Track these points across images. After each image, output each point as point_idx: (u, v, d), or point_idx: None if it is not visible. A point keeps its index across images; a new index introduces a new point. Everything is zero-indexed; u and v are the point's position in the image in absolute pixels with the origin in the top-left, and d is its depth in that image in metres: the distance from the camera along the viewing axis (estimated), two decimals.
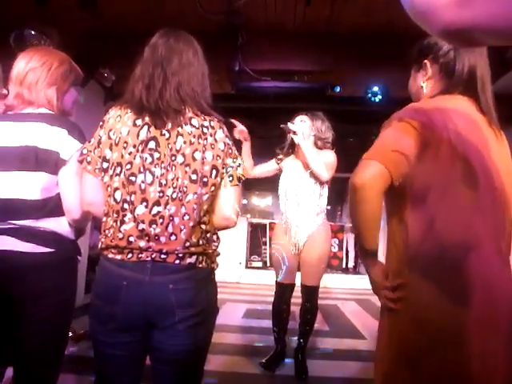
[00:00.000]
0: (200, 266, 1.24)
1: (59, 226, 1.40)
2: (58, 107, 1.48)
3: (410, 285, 1.09)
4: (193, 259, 1.22)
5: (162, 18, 3.74)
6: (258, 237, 8.40)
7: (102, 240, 1.26)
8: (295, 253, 2.96)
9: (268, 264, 7.80)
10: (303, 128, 2.95)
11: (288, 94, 4.61)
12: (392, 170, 1.08)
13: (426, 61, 1.26)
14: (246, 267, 7.83)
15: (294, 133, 2.86)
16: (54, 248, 1.37)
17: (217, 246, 1.32)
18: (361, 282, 7.40)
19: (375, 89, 4.55)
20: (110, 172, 1.23)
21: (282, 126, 2.93)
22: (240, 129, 2.85)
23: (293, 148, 3.08)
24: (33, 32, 3.23)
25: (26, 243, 1.33)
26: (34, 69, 1.46)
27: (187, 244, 1.21)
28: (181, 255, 1.20)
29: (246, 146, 2.94)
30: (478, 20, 0.48)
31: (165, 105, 1.24)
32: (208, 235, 1.28)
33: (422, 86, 1.28)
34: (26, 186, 1.35)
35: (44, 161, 1.36)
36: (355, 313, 5.21)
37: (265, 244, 8.11)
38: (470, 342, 1.01)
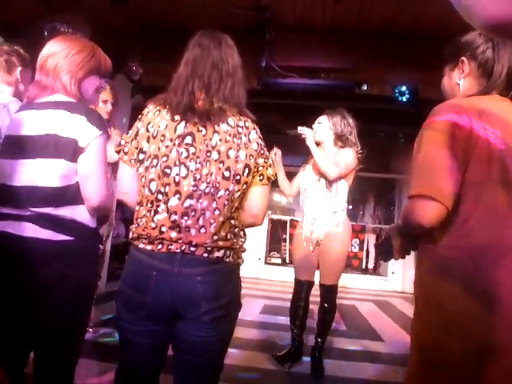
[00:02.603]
0: (227, 260, 1.27)
1: (79, 214, 1.41)
2: (74, 94, 1.47)
3: (440, 286, 1.09)
4: (220, 253, 1.25)
5: (191, 14, 3.77)
6: (278, 233, 8.40)
7: (133, 229, 1.30)
8: (313, 250, 2.96)
9: (287, 261, 7.79)
10: (317, 129, 3.00)
11: (314, 92, 4.59)
12: (449, 204, 1.06)
13: (463, 58, 1.23)
14: (265, 263, 7.84)
15: (303, 135, 2.93)
16: (73, 236, 1.38)
17: (243, 242, 1.35)
18: (380, 284, 7.33)
19: (403, 88, 4.48)
20: (146, 163, 1.27)
21: (288, 131, 3.03)
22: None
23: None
24: (66, 25, 3.30)
25: (46, 230, 1.34)
26: (53, 54, 1.46)
27: (216, 238, 1.23)
28: (209, 249, 1.23)
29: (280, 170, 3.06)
30: None
31: (217, 105, 1.30)
32: (236, 230, 1.31)
33: (458, 84, 1.26)
34: (47, 173, 1.36)
35: (63, 148, 1.37)
36: (373, 314, 5.16)
37: (284, 241, 8.09)
38: (499, 350, 1.00)
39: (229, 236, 1.27)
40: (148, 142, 1.28)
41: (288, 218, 8.06)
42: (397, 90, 4.52)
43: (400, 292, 7.11)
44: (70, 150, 1.37)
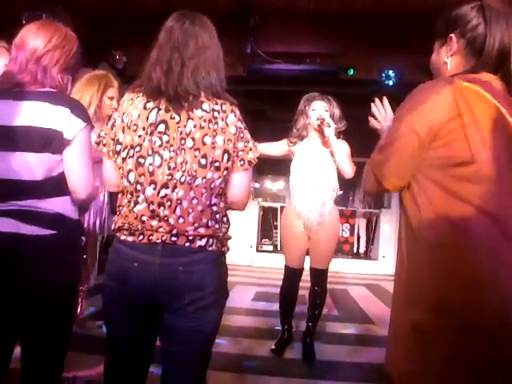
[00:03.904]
0: (210, 248, 1.25)
1: (61, 206, 1.39)
2: (56, 84, 1.43)
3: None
4: (203, 242, 1.24)
5: (174, 1, 3.70)
6: (269, 220, 8.40)
7: (116, 219, 1.30)
8: (306, 237, 2.94)
9: (279, 248, 7.83)
10: (328, 118, 2.87)
11: (300, 77, 4.57)
12: None
13: (452, 34, 1.19)
14: (257, 250, 7.85)
15: (329, 125, 2.78)
16: (56, 230, 1.36)
17: (227, 229, 1.34)
18: (371, 267, 7.40)
19: (389, 72, 4.47)
20: (123, 154, 1.26)
21: (319, 118, 2.83)
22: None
23: (306, 131, 2.99)
24: (44, 15, 3.22)
25: (27, 225, 1.32)
26: (53, 50, 1.42)
27: (196, 226, 1.22)
28: (191, 238, 1.22)
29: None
30: None
31: (183, 90, 1.24)
32: (218, 217, 1.29)
33: (445, 62, 1.22)
34: (28, 166, 1.34)
35: (47, 141, 1.34)
36: (365, 298, 5.21)
37: (276, 228, 8.10)
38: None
39: (210, 223, 1.25)
40: (123, 132, 1.26)
41: (278, 205, 8.06)
42: (383, 74, 4.51)
43: (391, 275, 7.15)
44: (54, 143, 1.35)
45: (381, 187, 1.21)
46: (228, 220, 1.35)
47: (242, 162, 1.31)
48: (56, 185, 1.39)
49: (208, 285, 1.25)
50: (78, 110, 1.41)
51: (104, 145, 1.31)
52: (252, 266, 7.40)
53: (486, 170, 1.06)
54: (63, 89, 1.47)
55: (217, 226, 1.28)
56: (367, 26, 3.99)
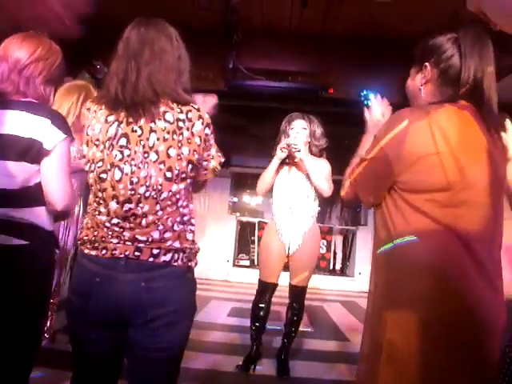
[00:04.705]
0: (175, 264, 1.22)
1: (36, 216, 1.37)
2: (37, 96, 1.44)
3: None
4: (168, 257, 1.20)
5: (157, 13, 3.71)
6: (246, 235, 8.38)
7: (80, 234, 1.28)
8: (284, 254, 2.95)
9: (256, 263, 7.80)
10: (303, 137, 2.90)
11: (281, 94, 4.62)
12: None
13: (426, 63, 1.24)
14: (234, 265, 7.81)
15: (297, 149, 2.79)
16: (28, 240, 1.34)
17: (194, 243, 1.29)
18: (347, 284, 7.44)
19: (368, 92, 4.57)
20: (87, 168, 1.25)
21: (283, 148, 2.83)
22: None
23: (288, 157, 2.95)
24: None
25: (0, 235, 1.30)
26: (36, 62, 1.42)
27: (161, 240, 1.20)
28: (155, 253, 1.19)
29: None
30: None
31: (140, 97, 1.21)
32: (184, 229, 1.25)
33: (420, 89, 1.26)
34: (4, 174, 1.32)
35: (25, 150, 1.33)
36: (340, 314, 5.23)
37: (253, 243, 8.09)
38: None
39: (176, 237, 1.22)
40: (87, 146, 1.25)
41: (256, 220, 8.07)
42: (362, 94, 4.60)
43: (367, 292, 7.18)
44: (33, 152, 1.34)
45: (357, 198, 1.28)
46: (194, 233, 1.30)
47: (205, 172, 1.32)
48: (32, 195, 1.36)
49: (172, 301, 1.21)
50: (59, 121, 1.40)
51: (83, 156, 1.30)
52: (228, 281, 7.34)
53: (461, 195, 1.09)
54: (45, 100, 1.46)
55: (184, 240, 1.25)
56: (348, 46, 4.09)
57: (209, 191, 7.30)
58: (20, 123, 1.34)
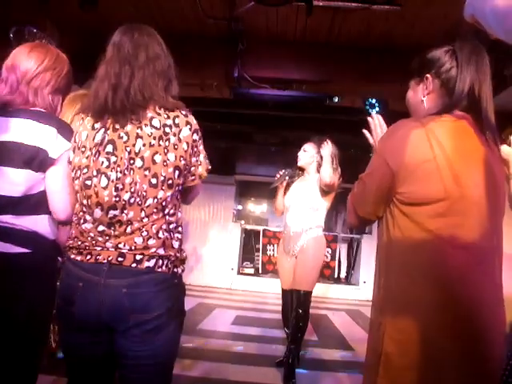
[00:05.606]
0: (159, 270, 1.20)
1: (38, 224, 1.37)
2: (46, 105, 1.45)
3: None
4: (151, 263, 1.19)
5: (162, 22, 3.75)
6: (251, 243, 8.37)
7: (67, 240, 1.28)
8: (291, 260, 3.13)
9: (260, 271, 7.77)
10: (302, 157, 3.27)
11: (286, 103, 4.62)
12: None
13: (428, 75, 1.24)
14: (238, 273, 7.78)
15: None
16: (30, 248, 1.33)
17: (180, 249, 1.28)
18: (352, 293, 7.40)
19: (373, 101, 4.57)
20: (72, 175, 1.25)
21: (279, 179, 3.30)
22: None
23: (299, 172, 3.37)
24: (34, 30, 3.22)
25: (1, 243, 1.30)
26: (44, 72, 1.44)
27: (145, 246, 1.19)
28: (138, 258, 1.18)
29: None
30: None
31: (130, 102, 1.21)
32: (170, 236, 1.24)
33: (422, 100, 1.27)
34: (8, 181, 1.32)
35: (30, 158, 1.33)
36: (345, 323, 5.19)
37: (258, 251, 8.06)
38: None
39: (161, 244, 1.21)
40: (74, 153, 1.26)
41: (261, 228, 8.04)
42: (367, 103, 4.61)
43: (371, 301, 7.16)
44: (37, 161, 1.34)
45: (361, 219, 1.27)
46: (181, 240, 1.29)
47: (193, 178, 1.31)
48: (35, 203, 1.36)
49: (154, 307, 1.19)
50: (66, 130, 1.40)
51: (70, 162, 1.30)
52: (232, 289, 7.32)
53: (458, 205, 1.09)
54: (53, 109, 1.47)
55: (169, 248, 1.23)
56: (352, 55, 4.09)
57: (213, 199, 7.32)
58: (26, 131, 1.34)
